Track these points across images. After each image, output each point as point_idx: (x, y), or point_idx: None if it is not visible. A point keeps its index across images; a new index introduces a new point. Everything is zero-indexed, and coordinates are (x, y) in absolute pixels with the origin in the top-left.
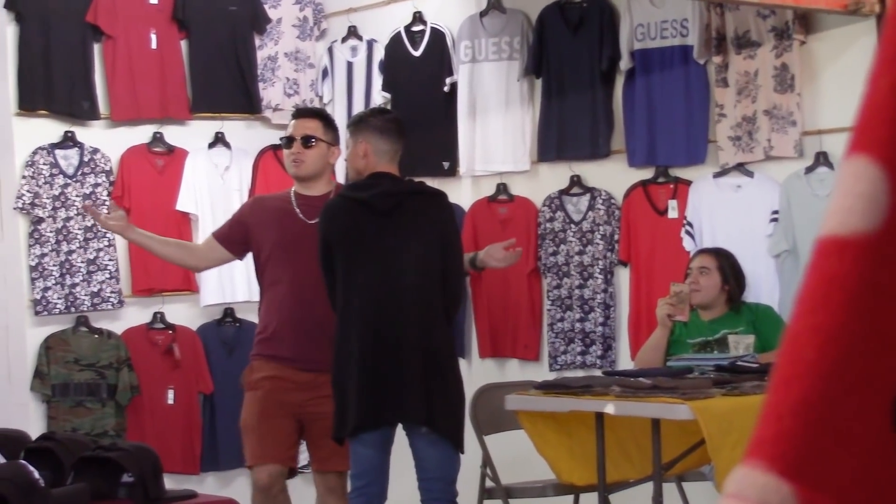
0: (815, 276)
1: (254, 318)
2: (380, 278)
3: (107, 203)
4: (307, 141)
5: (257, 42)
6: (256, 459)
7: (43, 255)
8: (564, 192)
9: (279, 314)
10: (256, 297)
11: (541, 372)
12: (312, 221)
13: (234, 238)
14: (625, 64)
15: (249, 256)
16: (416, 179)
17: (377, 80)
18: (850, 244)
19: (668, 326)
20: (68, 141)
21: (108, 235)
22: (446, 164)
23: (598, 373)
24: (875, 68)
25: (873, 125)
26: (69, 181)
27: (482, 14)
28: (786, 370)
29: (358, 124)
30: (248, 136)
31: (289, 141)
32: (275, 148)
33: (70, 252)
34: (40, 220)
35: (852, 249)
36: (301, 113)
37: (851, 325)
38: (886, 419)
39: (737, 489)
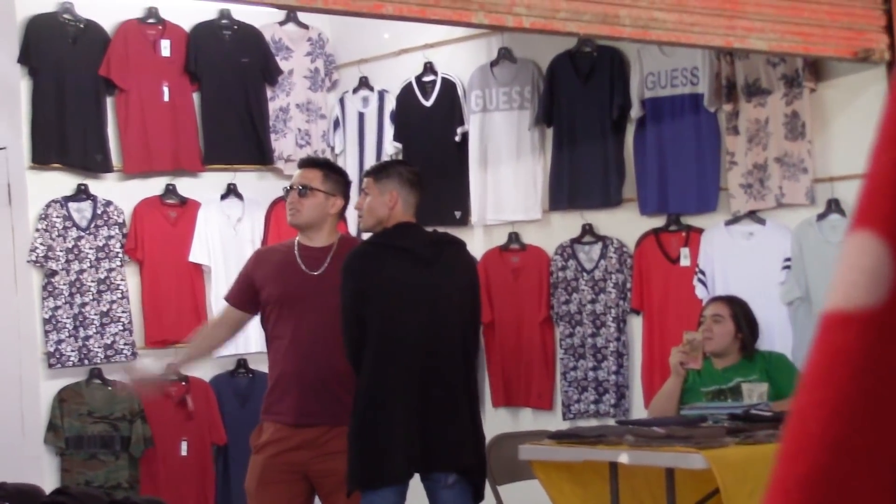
0: (820, 350)
1: (266, 368)
2: (427, 327)
3: (120, 255)
4: (302, 190)
5: (269, 93)
6: None
7: (56, 308)
8: (576, 240)
9: (282, 368)
10: None
11: (554, 421)
12: (315, 273)
13: (246, 297)
14: (635, 112)
15: None
16: (429, 229)
17: (388, 130)
18: (855, 319)
19: (682, 375)
20: (81, 194)
21: (121, 287)
22: (458, 214)
23: (611, 421)
24: (878, 144)
25: (877, 201)
26: (82, 234)
27: (493, 64)
28: (792, 444)
29: (387, 173)
30: (260, 187)
31: (287, 190)
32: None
33: (83, 304)
34: (54, 273)
35: (856, 324)
36: (302, 163)
37: (856, 399)
38: (892, 494)
39: None
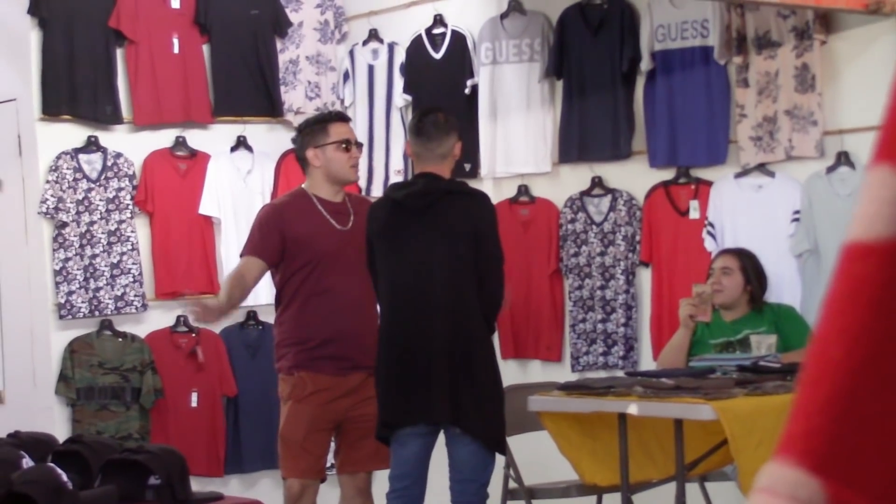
0: (841, 280)
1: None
2: (410, 278)
3: (130, 207)
4: (360, 145)
5: (279, 45)
6: (297, 473)
7: (67, 260)
8: (586, 193)
9: (330, 324)
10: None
11: (563, 373)
12: (345, 229)
13: (277, 252)
14: (645, 65)
15: None
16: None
17: (398, 82)
18: (875, 250)
19: (691, 327)
20: (92, 145)
21: (131, 239)
22: (468, 166)
23: (620, 373)
24: None
25: None
26: (93, 185)
27: (503, 16)
28: (814, 369)
29: (409, 124)
30: (269, 140)
31: (346, 144)
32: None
33: (94, 256)
34: (64, 225)
35: (877, 254)
36: (344, 117)
37: (876, 326)
38: None
39: (768, 483)
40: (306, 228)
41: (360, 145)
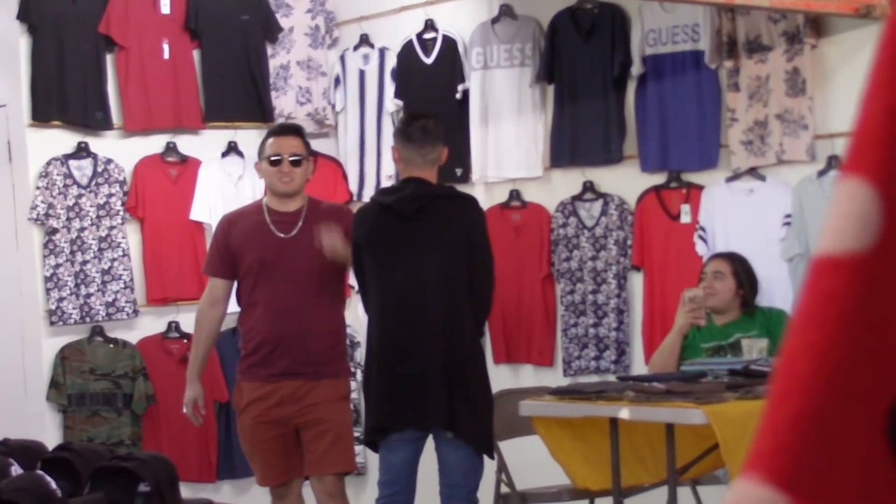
0: (810, 294)
1: None
2: (401, 282)
3: (121, 213)
4: (295, 159)
5: (269, 51)
6: (259, 481)
7: (58, 266)
8: (577, 197)
9: (260, 333)
10: None
11: (555, 377)
12: (288, 236)
13: (229, 266)
14: (636, 69)
15: None
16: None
17: (389, 87)
18: (844, 263)
19: (685, 332)
20: (82, 151)
21: (122, 245)
22: (459, 171)
23: (612, 378)
24: (868, 91)
25: (866, 147)
26: (83, 191)
27: (494, 21)
28: (782, 385)
29: (395, 129)
30: None
31: (276, 159)
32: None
33: (84, 262)
34: (54, 231)
35: (845, 268)
36: (284, 130)
37: (845, 341)
38: (880, 431)
39: (736, 500)
40: (244, 238)
41: (298, 158)
